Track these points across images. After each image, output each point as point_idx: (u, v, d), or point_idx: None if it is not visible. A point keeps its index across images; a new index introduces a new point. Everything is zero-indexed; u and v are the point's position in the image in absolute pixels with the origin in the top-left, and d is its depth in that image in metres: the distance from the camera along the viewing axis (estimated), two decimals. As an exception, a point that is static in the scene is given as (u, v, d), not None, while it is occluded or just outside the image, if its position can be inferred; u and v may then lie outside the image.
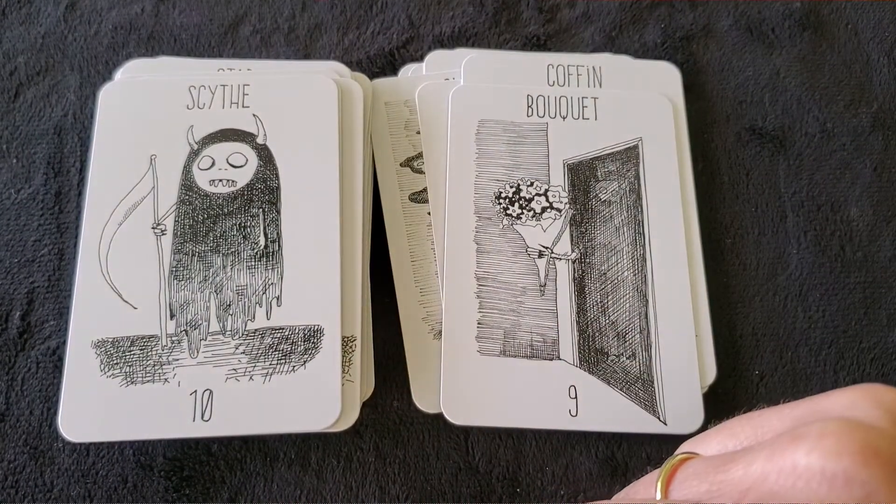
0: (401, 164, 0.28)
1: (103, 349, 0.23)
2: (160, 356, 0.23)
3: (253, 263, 0.24)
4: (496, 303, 0.25)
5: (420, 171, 0.27)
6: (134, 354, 0.23)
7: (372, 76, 0.29)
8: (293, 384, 0.23)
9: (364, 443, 0.25)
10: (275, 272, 0.24)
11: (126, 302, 0.24)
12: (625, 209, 0.27)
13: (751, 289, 0.28)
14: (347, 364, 0.24)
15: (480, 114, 0.28)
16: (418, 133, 0.28)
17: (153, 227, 0.25)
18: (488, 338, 0.25)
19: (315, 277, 0.24)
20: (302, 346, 0.24)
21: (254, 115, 0.26)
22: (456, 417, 0.24)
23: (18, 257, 0.27)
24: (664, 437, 0.25)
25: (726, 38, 0.32)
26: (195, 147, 0.26)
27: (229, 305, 0.24)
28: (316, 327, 0.24)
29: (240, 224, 0.25)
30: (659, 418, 0.24)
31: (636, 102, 0.28)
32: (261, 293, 0.24)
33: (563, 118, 0.28)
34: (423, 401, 0.25)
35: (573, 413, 0.24)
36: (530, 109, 0.28)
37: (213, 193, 0.25)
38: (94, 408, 0.23)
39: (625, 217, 0.27)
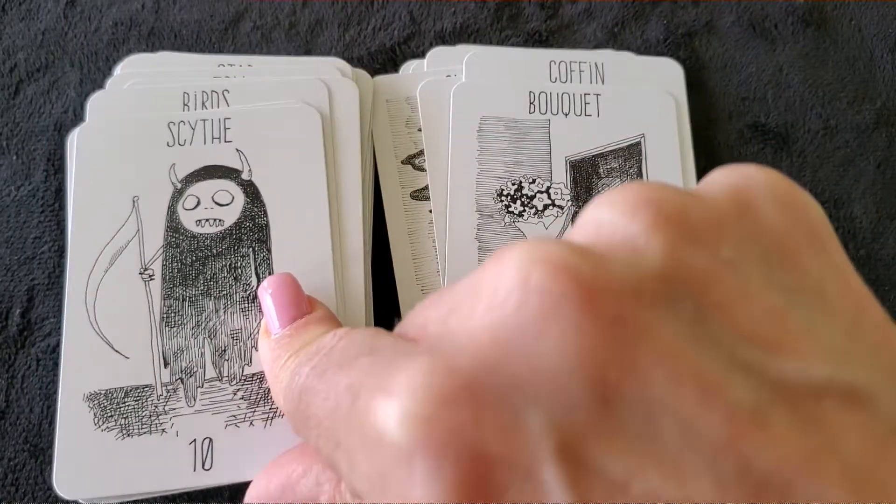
0: (402, 162, 0.28)
1: (96, 402, 0.22)
2: (156, 406, 0.23)
3: (246, 306, 0.24)
4: None
5: (421, 169, 0.27)
6: (129, 406, 0.22)
7: (373, 72, 0.29)
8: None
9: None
10: None
11: (117, 352, 0.23)
12: None
13: (753, 286, 0.28)
14: None
15: (482, 111, 0.28)
16: (419, 130, 0.28)
17: (140, 273, 0.24)
18: None
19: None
20: None
21: (237, 150, 0.25)
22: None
23: (18, 254, 0.27)
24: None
25: (729, 35, 0.31)
26: (178, 186, 0.25)
27: (224, 350, 0.23)
28: None
29: (230, 265, 0.24)
30: None
31: (639, 99, 0.28)
32: (256, 336, 0.23)
33: (566, 115, 0.28)
34: None
35: None
36: (532, 106, 0.28)
37: (201, 234, 0.24)
38: (89, 463, 0.22)
39: None
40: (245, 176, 0.25)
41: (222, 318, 0.24)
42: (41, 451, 0.25)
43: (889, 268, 0.28)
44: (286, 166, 0.25)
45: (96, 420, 0.22)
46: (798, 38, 0.31)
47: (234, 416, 0.23)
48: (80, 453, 0.22)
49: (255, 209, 0.25)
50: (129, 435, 0.22)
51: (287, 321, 0.21)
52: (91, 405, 0.22)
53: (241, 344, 0.23)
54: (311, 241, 0.25)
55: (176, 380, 0.23)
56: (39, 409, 0.25)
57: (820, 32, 0.32)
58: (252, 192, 0.25)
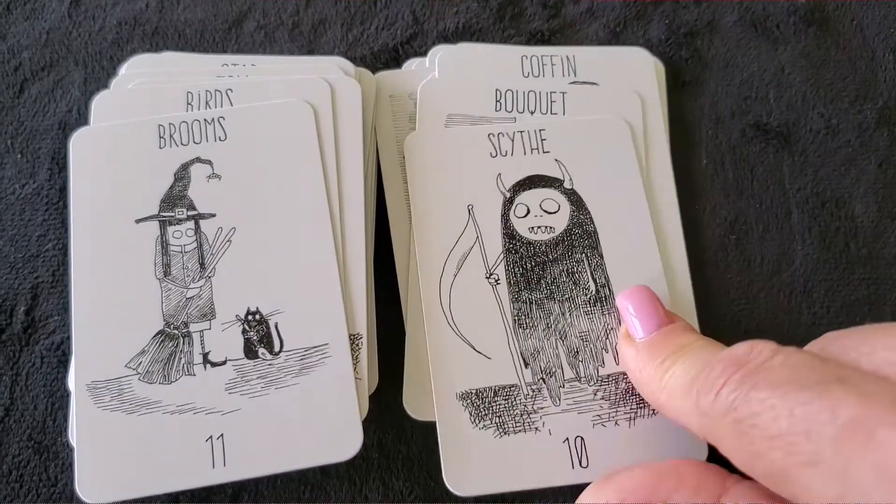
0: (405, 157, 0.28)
1: (469, 401, 0.23)
2: (525, 405, 0.23)
3: (589, 308, 0.25)
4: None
5: (424, 167, 0.27)
6: (499, 404, 0.23)
7: (376, 72, 0.29)
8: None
9: (368, 439, 0.25)
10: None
11: (479, 353, 0.24)
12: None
13: (755, 285, 0.28)
14: (355, 362, 0.24)
15: (449, 108, 0.28)
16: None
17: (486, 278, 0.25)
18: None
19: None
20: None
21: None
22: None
23: (23, 252, 0.27)
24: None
25: (731, 34, 0.32)
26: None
27: (577, 352, 0.24)
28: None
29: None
30: None
31: (605, 96, 0.28)
32: (605, 339, 0.24)
33: (532, 113, 0.28)
34: (414, 407, 0.25)
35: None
36: (499, 104, 0.28)
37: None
38: (475, 462, 0.23)
39: None
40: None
41: (569, 320, 0.24)
42: (45, 447, 0.25)
43: (890, 266, 0.28)
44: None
45: (472, 419, 0.23)
46: (800, 38, 0.31)
47: (599, 415, 0.23)
48: (461, 450, 0.23)
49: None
50: (505, 433, 0.23)
51: (652, 328, 0.22)
52: (465, 404, 0.23)
53: (591, 345, 0.24)
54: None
55: (538, 380, 0.24)
56: (44, 406, 0.25)
57: (822, 32, 0.32)
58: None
